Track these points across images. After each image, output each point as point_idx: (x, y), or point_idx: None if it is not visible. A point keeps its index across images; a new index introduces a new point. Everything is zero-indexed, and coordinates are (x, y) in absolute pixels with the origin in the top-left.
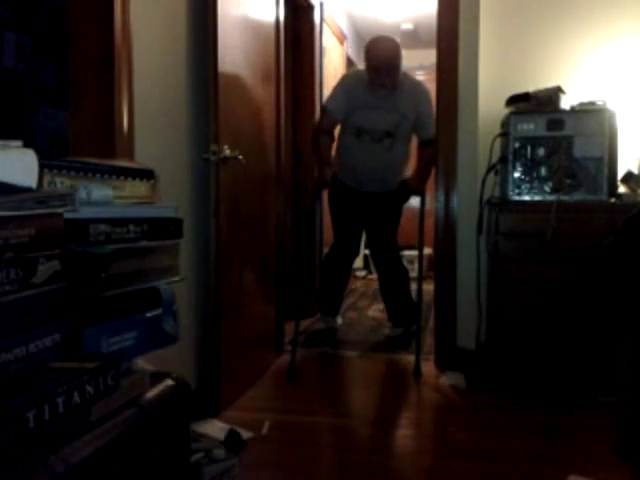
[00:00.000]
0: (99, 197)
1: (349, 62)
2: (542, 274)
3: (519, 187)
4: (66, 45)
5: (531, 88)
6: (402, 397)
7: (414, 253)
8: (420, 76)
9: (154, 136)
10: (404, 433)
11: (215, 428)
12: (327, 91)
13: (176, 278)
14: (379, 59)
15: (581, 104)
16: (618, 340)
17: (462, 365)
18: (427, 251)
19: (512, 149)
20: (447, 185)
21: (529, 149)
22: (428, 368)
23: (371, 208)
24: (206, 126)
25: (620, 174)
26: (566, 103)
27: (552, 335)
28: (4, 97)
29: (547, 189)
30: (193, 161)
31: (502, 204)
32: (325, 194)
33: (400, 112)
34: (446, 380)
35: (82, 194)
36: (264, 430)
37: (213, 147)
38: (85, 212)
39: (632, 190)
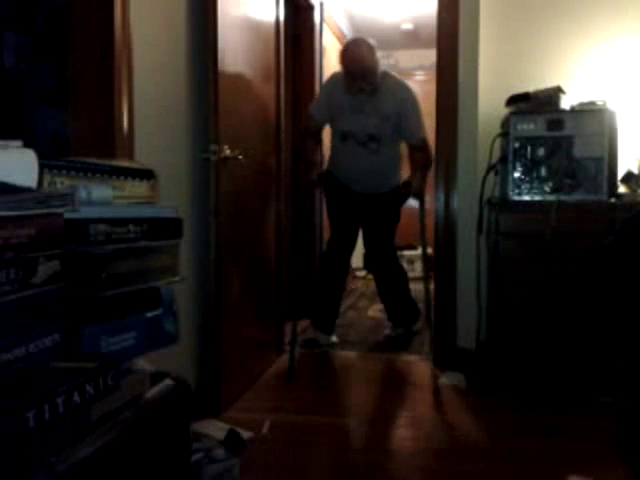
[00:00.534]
0: (99, 197)
1: None
2: (542, 274)
3: (519, 187)
4: (66, 45)
5: (531, 88)
6: (402, 397)
7: (414, 253)
8: (420, 76)
9: (154, 136)
10: (404, 433)
11: (215, 428)
12: None
13: (176, 278)
14: (352, 65)
15: (581, 104)
16: (618, 340)
17: (462, 365)
18: (427, 251)
19: (512, 149)
20: (447, 185)
21: (529, 149)
22: (428, 368)
23: (365, 209)
24: (206, 126)
25: (620, 174)
26: (566, 103)
27: (552, 335)
28: (4, 97)
29: (547, 189)
30: (193, 161)
31: (502, 204)
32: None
33: (381, 115)
34: (446, 380)
35: (82, 194)
36: (264, 430)
37: (213, 147)
38: (85, 212)
39: (632, 190)
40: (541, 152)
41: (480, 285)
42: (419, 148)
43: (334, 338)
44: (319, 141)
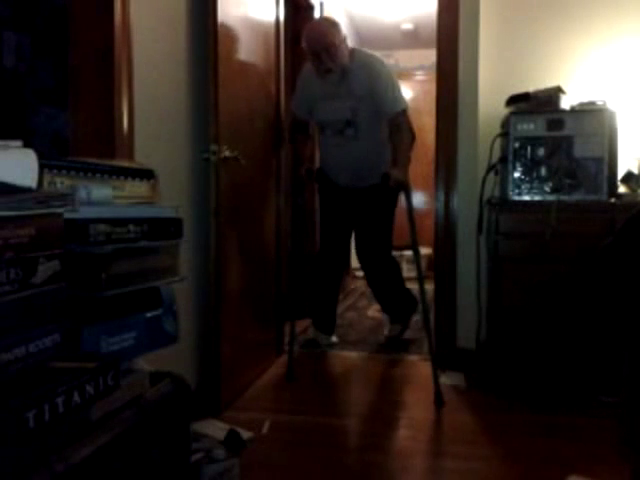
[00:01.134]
0: (99, 197)
1: None
2: (542, 274)
3: (519, 187)
4: (66, 45)
5: (531, 88)
6: (402, 397)
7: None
8: (420, 76)
9: (154, 136)
10: (404, 433)
11: (215, 428)
12: None
13: (176, 278)
14: (312, 42)
15: (581, 104)
16: (618, 340)
17: (462, 365)
18: (427, 251)
19: (512, 149)
20: (447, 185)
21: (529, 149)
22: (428, 368)
23: (355, 205)
24: (206, 126)
25: (620, 174)
26: (566, 103)
27: (552, 335)
28: (4, 97)
29: (547, 189)
30: (193, 161)
31: (502, 204)
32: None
33: (354, 95)
34: (446, 380)
35: (82, 194)
36: (264, 430)
37: (213, 147)
38: (85, 212)
39: (632, 190)
40: (541, 152)
41: (480, 285)
42: (397, 125)
43: (334, 338)
44: (306, 134)
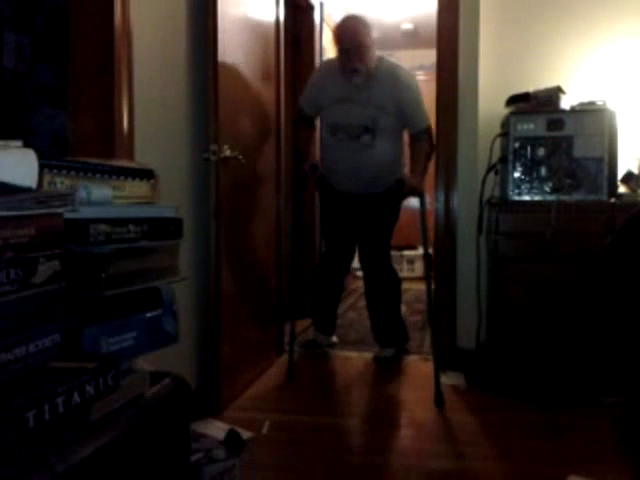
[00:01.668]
0: (99, 197)
1: None
2: (542, 274)
3: (519, 187)
4: (66, 45)
5: (531, 88)
6: (402, 397)
7: (414, 253)
8: (420, 76)
9: (154, 136)
10: (404, 433)
11: (215, 428)
12: None
13: (176, 278)
14: (344, 38)
15: (581, 104)
16: (618, 339)
17: (462, 365)
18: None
19: (512, 149)
20: (447, 185)
21: (529, 149)
22: (428, 368)
23: (360, 213)
24: (206, 126)
25: (620, 174)
26: (566, 103)
27: (552, 335)
28: (4, 97)
29: (547, 189)
30: (193, 161)
31: (502, 204)
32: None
33: (376, 105)
34: (446, 380)
35: (82, 194)
36: (264, 430)
37: (213, 147)
38: (85, 212)
39: (632, 190)
40: (541, 152)
41: (480, 285)
42: (420, 138)
43: (334, 338)
44: (312, 127)
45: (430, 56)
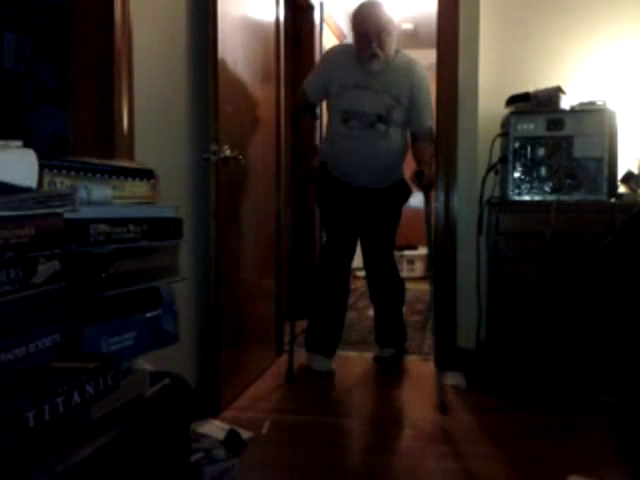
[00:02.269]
0: (99, 197)
1: None
2: (542, 274)
3: (519, 187)
4: (66, 45)
5: (531, 88)
6: (402, 397)
7: (414, 253)
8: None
9: (154, 136)
10: (404, 433)
11: (215, 428)
12: None
13: (176, 278)
14: (368, 22)
15: (581, 104)
16: (618, 339)
17: (462, 365)
18: (426, 251)
19: (512, 149)
20: (447, 185)
21: (529, 149)
22: (428, 368)
23: (366, 208)
24: (206, 126)
25: (620, 174)
26: (566, 103)
27: (552, 335)
28: (4, 97)
29: (547, 189)
30: (193, 161)
31: (502, 204)
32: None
33: (392, 94)
34: (446, 380)
35: (82, 194)
36: (264, 430)
37: (213, 147)
38: (85, 212)
39: (632, 190)
40: (541, 152)
41: (480, 285)
42: (427, 138)
43: (333, 365)
44: (315, 115)
45: (430, 56)
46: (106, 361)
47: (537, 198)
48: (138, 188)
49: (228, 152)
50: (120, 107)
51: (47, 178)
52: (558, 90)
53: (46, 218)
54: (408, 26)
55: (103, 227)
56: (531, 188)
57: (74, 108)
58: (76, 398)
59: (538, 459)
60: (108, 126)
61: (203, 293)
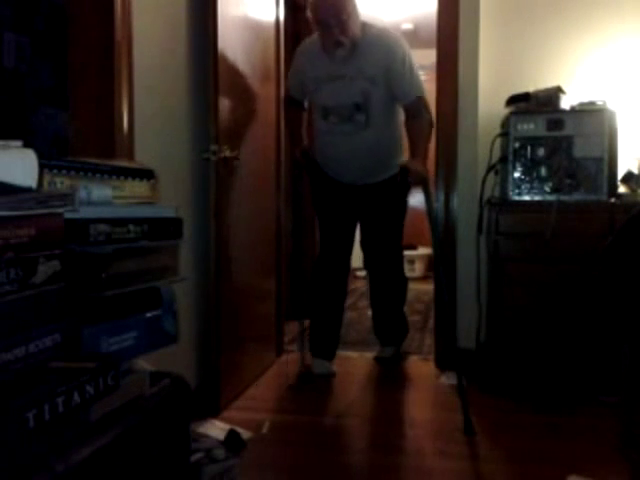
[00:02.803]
0: (99, 197)
1: None
2: (542, 274)
3: (519, 187)
4: (66, 45)
5: (531, 88)
6: (402, 397)
7: (414, 253)
8: (420, 76)
9: (154, 136)
10: (403, 433)
11: (215, 428)
12: None
13: (176, 278)
14: (322, 10)
15: (581, 104)
16: (618, 339)
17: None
18: (426, 251)
19: (512, 149)
20: (447, 185)
21: (529, 149)
22: (428, 368)
23: (360, 207)
24: (206, 126)
25: (620, 174)
26: (566, 103)
27: (552, 335)
28: (4, 97)
29: (547, 189)
30: (193, 161)
31: (502, 204)
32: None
33: (365, 77)
34: (446, 380)
35: (82, 194)
36: (264, 430)
37: (213, 147)
38: (85, 212)
39: (632, 190)
40: (541, 152)
41: (480, 285)
42: (415, 112)
43: (333, 367)
44: (303, 108)
45: (430, 56)
46: (106, 361)
47: (537, 198)
48: (138, 188)
49: (228, 152)
50: (120, 107)
51: (47, 178)
52: (558, 90)
53: (46, 218)
54: (408, 26)
55: (103, 227)
56: (531, 188)
57: (74, 108)
58: (76, 398)
59: (538, 459)
60: (108, 126)
61: (203, 293)
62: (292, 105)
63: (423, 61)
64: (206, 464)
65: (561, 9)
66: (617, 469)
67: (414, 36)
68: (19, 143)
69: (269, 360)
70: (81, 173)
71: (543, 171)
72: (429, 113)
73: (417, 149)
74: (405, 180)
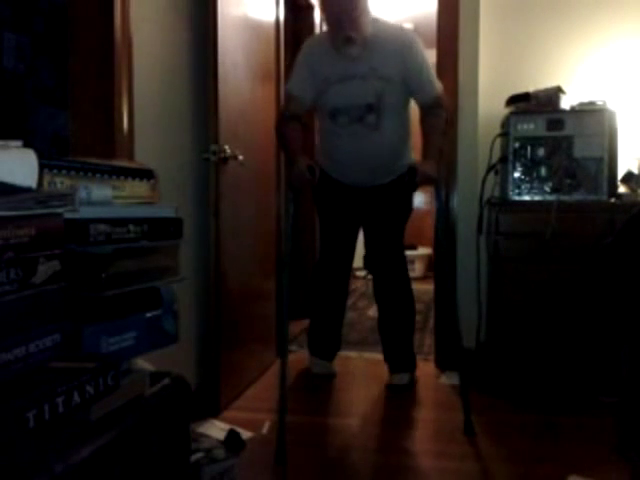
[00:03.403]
0: (99, 197)
1: None
2: (542, 274)
3: (519, 187)
4: (66, 45)
5: (531, 88)
6: (402, 397)
7: (414, 253)
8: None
9: (154, 136)
10: (403, 433)
11: (215, 428)
12: None
13: (176, 278)
14: (336, 5)
15: (581, 104)
16: (618, 339)
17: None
18: (426, 251)
19: (512, 149)
20: (447, 185)
21: (529, 149)
22: (428, 368)
23: (366, 206)
24: (206, 126)
25: (620, 174)
26: (566, 103)
27: (552, 335)
28: (4, 97)
29: (547, 189)
30: (193, 161)
31: (502, 204)
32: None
33: (379, 76)
34: (446, 380)
35: (82, 194)
36: (264, 430)
37: (213, 147)
38: (85, 212)
39: (632, 190)
40: (541, 152)
41: (480, 285)
42: (433, 109)
43: (334, 368)
44: (302, 124)
45: (430, 56)
46: (106, 361)
47: (537, 198)
48: (138, 188)
49: (228, 152)
50: (120, 107)
51: (47, 178)
52: (558, 90)
53: (46, 218)
54: (408, 26)
55: (103, 227)
56: (531, 188)
57: (74, 108)
58: (76, 398)
59: (538, 459)
60: (108, 126)
61: (203, 293)
62: (292, 122)
63: None
64: (206, 464)
65: (561, 9)
66: (617, 469)
67: None
68: (19, 143)
69: (269, 360)
70: (81, 173)
71: (543, 171)
72: (446, 110)
73: (430, 149)
74: (413, 181)
